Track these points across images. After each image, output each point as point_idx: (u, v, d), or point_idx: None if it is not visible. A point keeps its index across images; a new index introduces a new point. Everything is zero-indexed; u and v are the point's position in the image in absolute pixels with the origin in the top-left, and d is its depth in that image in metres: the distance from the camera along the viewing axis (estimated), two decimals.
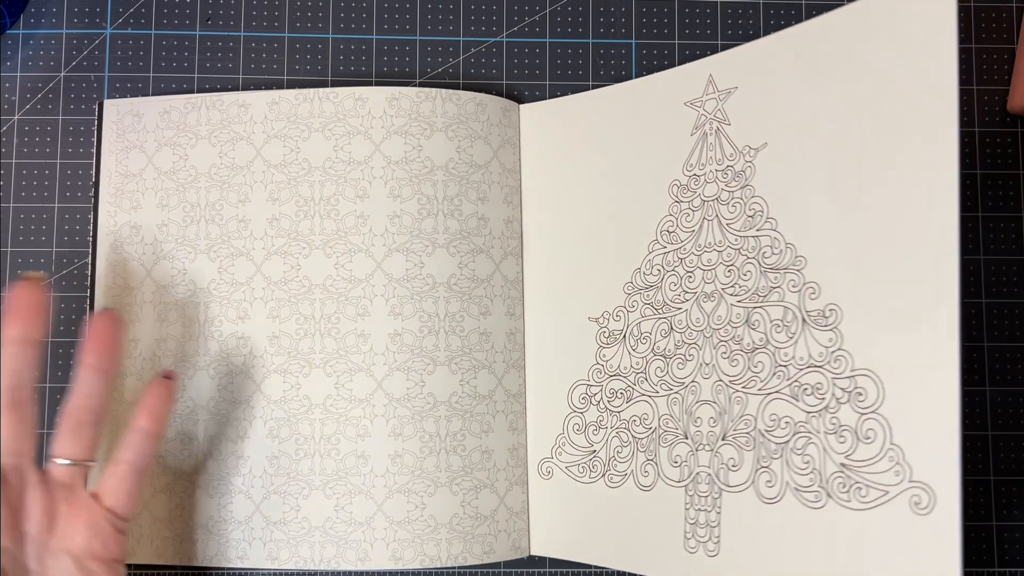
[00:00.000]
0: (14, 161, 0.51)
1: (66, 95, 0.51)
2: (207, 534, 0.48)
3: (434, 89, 0.48)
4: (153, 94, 0.51)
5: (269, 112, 0.49)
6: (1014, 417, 0.50)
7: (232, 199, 0.49)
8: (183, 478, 0.48)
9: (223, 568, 0.47)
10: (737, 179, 0.45)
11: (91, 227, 0.50)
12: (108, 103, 0.50)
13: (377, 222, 0.48)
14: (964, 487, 0.47)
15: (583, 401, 0.48)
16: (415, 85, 0.52)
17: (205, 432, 0.48)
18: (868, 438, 0.39)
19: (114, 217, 0.49)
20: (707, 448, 0.44)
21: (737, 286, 0.44)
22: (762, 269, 0.43)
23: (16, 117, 0.51)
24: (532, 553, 0.49)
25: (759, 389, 0.43)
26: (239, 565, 0.47)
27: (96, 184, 0.50)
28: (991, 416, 0.51)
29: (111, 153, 0.50)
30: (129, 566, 0.46)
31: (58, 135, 0.51)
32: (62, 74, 0.52)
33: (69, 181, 0.51)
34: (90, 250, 0.49)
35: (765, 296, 0.43)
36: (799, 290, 0.42)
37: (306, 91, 0.49)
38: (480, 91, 0.49)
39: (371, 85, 0.51)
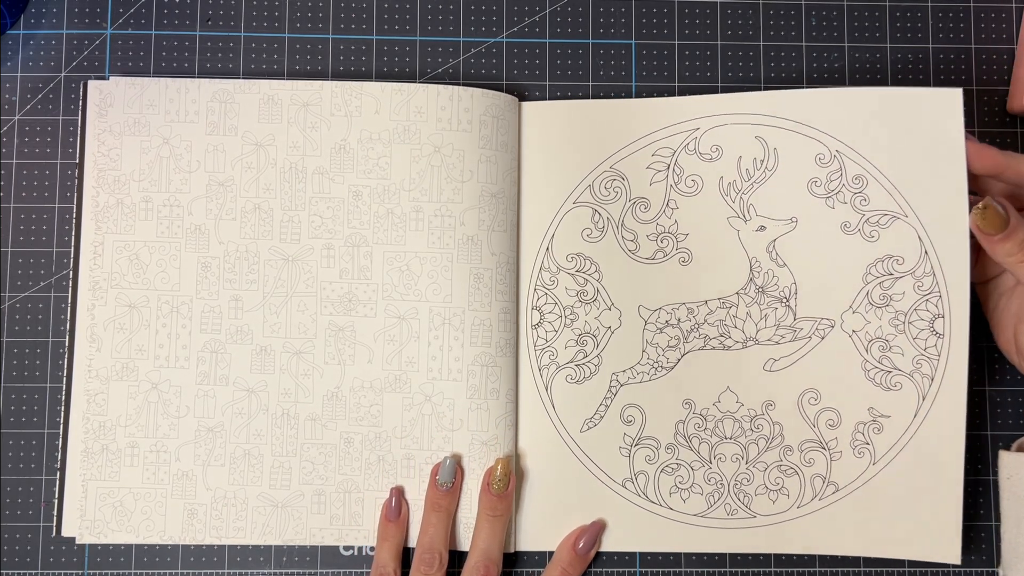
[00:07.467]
0: (14, 161, 0.51)
1: (66, 95, 0.51)
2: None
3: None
4: None
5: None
6: (1014, 417, 0.50)
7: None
8: None
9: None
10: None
11: (74, 206, 0.50)
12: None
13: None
14: (964, 488, 0.47)
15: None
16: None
17: None
18: None
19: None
20: None
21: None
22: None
23: (16, 117, 0.51)
24: None
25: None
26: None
27: (80, 164, 0.50)
28: (991, 416, 0.51)
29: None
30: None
31: (58, 135, 0.51)
32: (62, 74, 0.52)
33: (69, 181, 0.51)
34: (73, 229, 0.50)
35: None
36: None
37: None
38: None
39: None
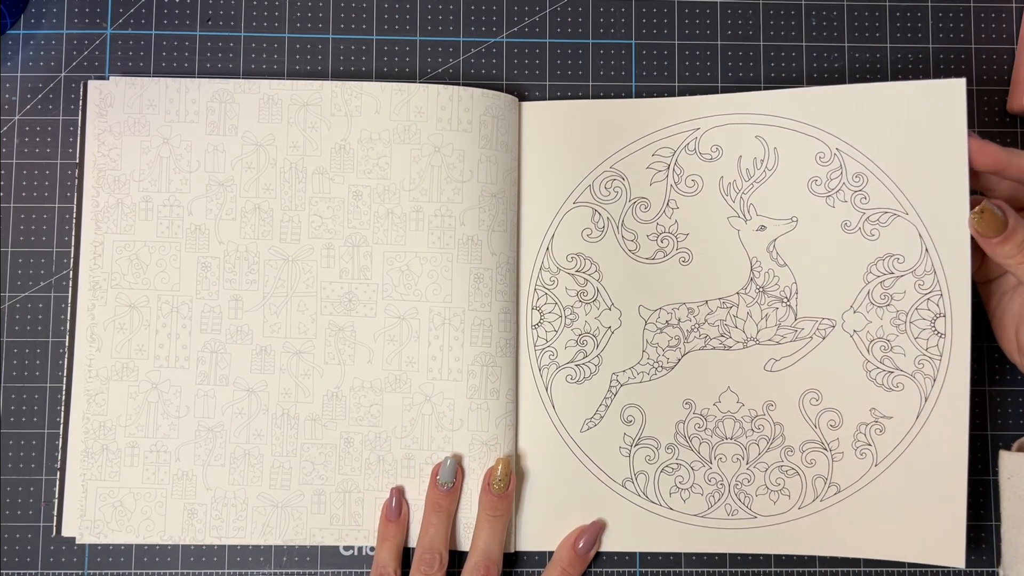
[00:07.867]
0: (14, 161, 0.51)
1: (66, 95, 0.51)
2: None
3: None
4: None
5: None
6: (1014, 417, 0.50)
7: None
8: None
9: None
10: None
11: (74, 206, 0.50)
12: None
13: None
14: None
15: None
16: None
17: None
18: None
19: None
20: None
21: None
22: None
23: (16, 117, 0.51)
24: None
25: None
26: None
27: (80, 164, 0.50)
28: (991, 416, 0.51)
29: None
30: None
31: (58, 135, 0.51)
32: (62, 74, 0.52)
33: (69, 181, 0.51)
34: (73, 229, 0.50)
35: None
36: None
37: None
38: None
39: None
